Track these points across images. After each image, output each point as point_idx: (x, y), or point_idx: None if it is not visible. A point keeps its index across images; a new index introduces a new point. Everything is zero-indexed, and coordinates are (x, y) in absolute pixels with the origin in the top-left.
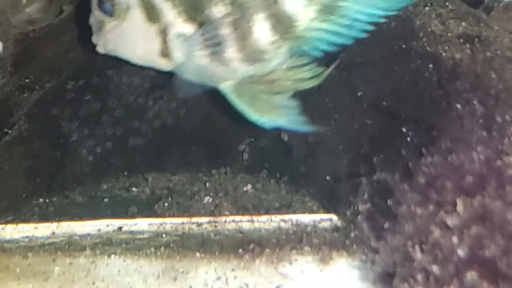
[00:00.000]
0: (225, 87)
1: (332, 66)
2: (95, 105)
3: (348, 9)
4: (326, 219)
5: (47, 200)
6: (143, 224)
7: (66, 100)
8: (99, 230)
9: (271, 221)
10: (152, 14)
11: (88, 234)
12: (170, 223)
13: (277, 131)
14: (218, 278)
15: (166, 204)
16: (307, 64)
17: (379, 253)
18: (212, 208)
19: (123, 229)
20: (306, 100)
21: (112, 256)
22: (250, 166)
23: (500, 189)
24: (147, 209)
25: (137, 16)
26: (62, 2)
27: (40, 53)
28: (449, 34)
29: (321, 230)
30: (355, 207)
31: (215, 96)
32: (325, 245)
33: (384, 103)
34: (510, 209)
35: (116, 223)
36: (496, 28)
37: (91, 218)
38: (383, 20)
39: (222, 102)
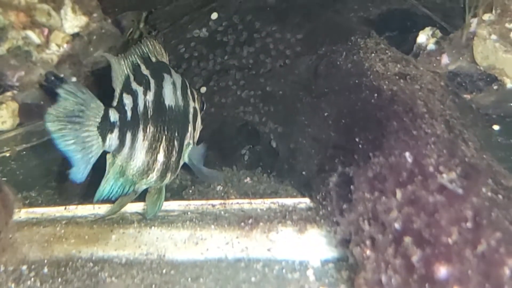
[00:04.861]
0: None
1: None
2: None
3: None
4: (303, 202)
5: None
6: (174, 205)
7: None
8: (143, 209)
9: (264, 203)
10: None
11: (136, 212)
12: (193, 204)
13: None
14: (227, 243)
15: (190, 191)
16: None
17: (340, 225)
18: (223, 194)
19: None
20: (287, 119)
21: (153, 227)
22: (249, 164)
23: (424, 181)
24: (177, 195)
25: None
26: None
27: (103, 85)
28: (388, 73)
29: (299, 210)
30: (324, 193)
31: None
32: (302, 220)
33: (343, 121)
34: (431, 195)
35: None
36: (421, 68)
37: (138, 201)
38: None
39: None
